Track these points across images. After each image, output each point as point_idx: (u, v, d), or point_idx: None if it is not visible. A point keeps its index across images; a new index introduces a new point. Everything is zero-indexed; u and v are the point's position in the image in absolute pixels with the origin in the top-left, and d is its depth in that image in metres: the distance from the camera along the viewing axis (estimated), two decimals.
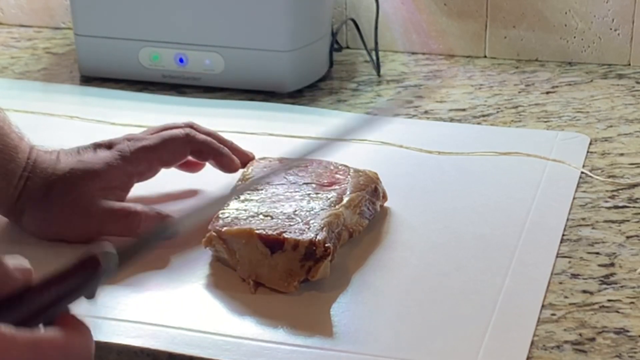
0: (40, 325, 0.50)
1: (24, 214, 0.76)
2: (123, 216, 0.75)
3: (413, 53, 1.24)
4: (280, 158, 0.83)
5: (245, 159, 0.84)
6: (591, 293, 0.70)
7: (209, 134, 0.83)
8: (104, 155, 0.78)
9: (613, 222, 0.81)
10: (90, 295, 0.52)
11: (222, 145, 0.83)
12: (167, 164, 0.81)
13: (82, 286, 0.51)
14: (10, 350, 0.47)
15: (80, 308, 0.52)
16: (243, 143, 0.88)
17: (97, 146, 0.79)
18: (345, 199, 0.76)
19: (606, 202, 0.84)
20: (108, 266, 0.52)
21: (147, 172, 0.80)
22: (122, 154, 0.78)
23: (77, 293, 0.51)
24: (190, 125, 0.83)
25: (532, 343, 0.64)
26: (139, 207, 0.76)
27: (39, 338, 0.49)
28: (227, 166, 0.83)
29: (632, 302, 0.69)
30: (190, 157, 0.82)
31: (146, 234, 0.57)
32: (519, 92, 1.10)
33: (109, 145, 0.79)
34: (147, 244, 0.56)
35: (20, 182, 0.76)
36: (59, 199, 0.76)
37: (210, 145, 0.82)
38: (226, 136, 0.86)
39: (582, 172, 0.89)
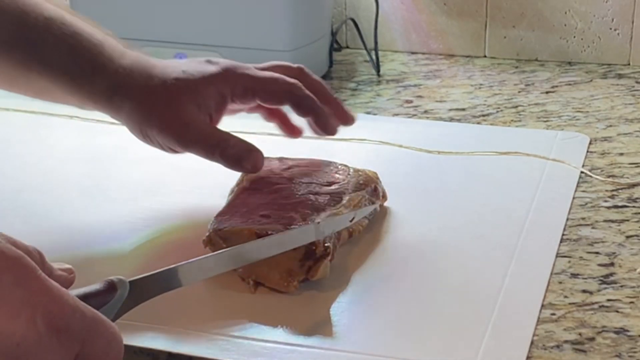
0: None
1: (122, 110, 0.77)
2: (213, 141, 0.76)
3: (413, 53, 1.24)
4: (280, 158, 0.83)
5: (345, 121, 0.82)
6: (591, 293, 0.70)
7: (316, 86, 0.81)
8: (207, 70, 0.78)
9: (613, 221, 0.81)
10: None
11: (322, 106, 0.80)
12: (264, 101, 0.80)
13: (100, 307, 0.55)
14: (75, 312, 0.52)
15: None
16: None
17: (200, 62, 0.79)
18: (345, 199, 0.76)
19: (606, 201, 0.84)
20: (122, 292, 0.58)
21: (241, 100, 0.79)
22: (225, 74, 0.78)
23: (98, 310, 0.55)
24: (301, 70, 0.81)
25: (532, 343, 0.64)
26: (228, 135, 0.77)
27: (99, 314, 0.54)
28: (322, 129, 0.80)
29: (631, 302, 0.69)
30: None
31: (155, 281, 0.61)
32: (519, 92, 1.10)
33: (214, 63, 0.79)
34: (155, 288, 0.61)
35: (117, 78, 0.77)
36: (158, 107, 0.76)
37: (312, 104, 0.79)
38: None
39: (581, 172, 0.89)
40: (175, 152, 0.78)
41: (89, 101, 0.78)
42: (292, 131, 0.84)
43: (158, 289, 0.61)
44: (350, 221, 0.74)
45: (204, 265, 0.64)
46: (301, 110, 0.79)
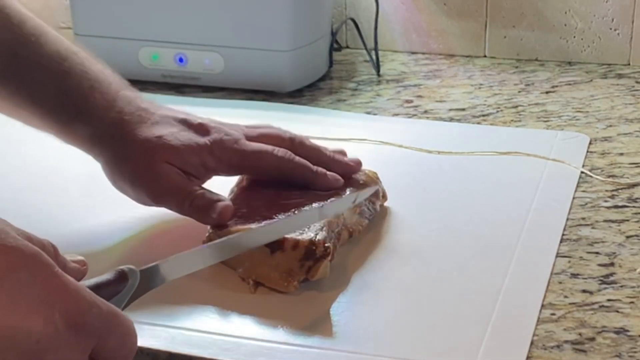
0: None
1: (100, 157, 0.77)
2: (184, 194, 0.74)
3: (413, 53, 1.24)
4: None
5: (351, 171, 0.79)
6: (591, 293, 0.70)
7: (310, 152, 0.79)
8: (194, 139, 0.76)
9: (613, 221, 0.81)
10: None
11: (316, 169, 0.77)
12: (252, 176, 0.79)
13: (111, 297, 0.57)
14: (92, 307, 0.53)
15: None
16: None
17: (191, 126, 0.77)
18: None
19: (606, 201, 0.84)
20: (133, 281, 0.59)
21: (226, 174, 0.78)
22: (211, 147, 0.76)
23: (109, 301, 0.56)
24: (292, 141, 0.79)
25: (532, 343, 0.64)
26: (216, 197, 0.74)
27: (114, 308, 0.55)
28: (321, 188, 0.77)
29: (631, 302, 0.69)
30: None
31: (169, 264, 0.62)
32: (519, 92, 1.10)
33: (204, 131, 0.77)
34: (168, 273, 0.62)
35: (102, 126, 0.76)
36: (133, 161, 0.75)
37: (303, 173, 0.77)
38: None
39: (581, 172, 0.89)
40: (151, 205, 0.76)
41: (71, 141, 0.78)
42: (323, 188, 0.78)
43: (166, 277, 0.62)
44: (353, 202, 0.73)
45: (213, 251, 0.65)
46: (295, 181, 0.77)
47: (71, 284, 0.52)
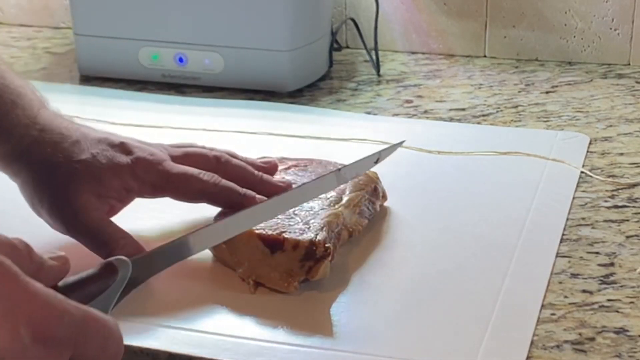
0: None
1: (18, 177, 0.74)
2: (102, 239, 0.72)
3: (413, 53, 1.24)
4: (280, 158, 0.83)
5: (277, 193, 0.76)
6: (591, 293, 0.70)
7: (237, 172, 0.77)
8: (115, 159, 0.74)
9: (613, 221, 0.81)
10: (106, 307, 0.55)
11: (244, 192, 0.75)
12: (176, 199, 0.76)
13: (101, 292, 0.54)
14: (63, 316, 0.49)
15: None
16: (243, 143, 0.88)
17: (113, 145, 0.75)
18: (345, 199, 0.76)
19: (606, 201, 0.84)
20: (124, 273, 0.56)
21: (150, 196, 0.76)
22: (134, 168, 0.74)
23: (97, 298, 0.54)
24: (218, 160, 0.77)
25: (532, 343, 0.64)
26: (120, 234, 0.72)
27: (91, 312, 0.51)
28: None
29: (631, 302, 0.69)
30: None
31: (161, 253, 0.61)
32: (519, 92, 1.10)
33: (127, 151, 0.75)
34: (161, 262, 0.61)
35: (21, 144, 0.73)
36: (53, 188, 0.72)
37: (229, 196, 0.75)
38: (226, 136, 0.84)
39: (581, 172, 0.89)
40: (68, 235, 0.73)
41: None
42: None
43: (164, 263, 0.61)
44: (375, 162, 0.71)
45: (227, 227, 0.65)
46: (219, 205, 0.75)
47: (39, 292, 0.49)
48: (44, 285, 0.50)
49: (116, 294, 0.56)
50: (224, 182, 0.75)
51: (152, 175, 0.74)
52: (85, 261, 0.60)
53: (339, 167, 0.77)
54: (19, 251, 0.52)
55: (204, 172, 0.75)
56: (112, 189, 0.73)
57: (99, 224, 0.72)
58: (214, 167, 0.76)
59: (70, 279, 0.54)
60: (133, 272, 0.57)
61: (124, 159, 0.74)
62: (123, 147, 0.75)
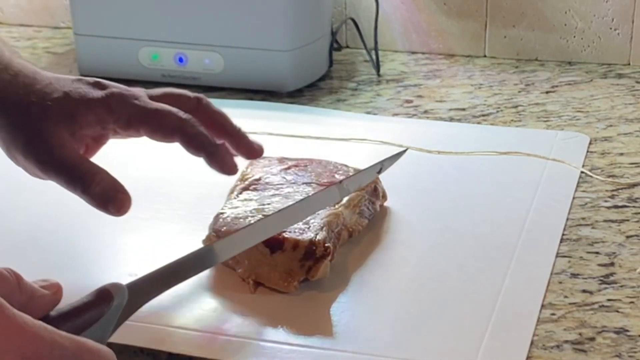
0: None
1: None
2: (77, 173, 0.69)
3: (413, 52, 1.24)
4: (280, 158, 0.83)
5: (250, 153, 0.75)
6: (591, 293, 0.70)
7: (215, 118, 0.74)
8: (89, 94, 0.71)
9: (613, 221, 0.81)
10: (102, 336, 0.54)
11: (217, 144, 0.72)
12: (150, 136, 0.73)
13: (96, 320, 0.53)
14: (53, 349, 0.48)
15: None
16: None
17: (87, 83, 0.73)
18: (345, 199, 0.76)
19: (606, 201, 0.84)
20: (120, 300, 0.55)
21: (124, 134, 0.73)
22: (108, 101, 0.71)
23: (92, 327, 0.53)
24: (199, 101, 0.74)
25: (532, 343, 0.64)
26: (95, 169, 0.70)
27: (84, 343, 0.50)
28: (217, 169, 0.72)
29: (631, 302, 0.69)
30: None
31: (157, 277, 0.60)
32: (519, 92, 1.10)
33: (101, 86, 0.72)
34: (157, 287, 0.60)
35: None
36: (27, 128, 0.70)
37: (203, 142, 0.71)
38: None
39: (581, 172, 0.89)
40: (43, 179, 0.71)
41: None
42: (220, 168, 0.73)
43: (160, 288, 0.61)
44: (378, 173, 0.71)
45: (225, 246, 0.65)
46: (191, 148, 0.72)
47: (28, 325, 0.48)
48: (35, 315, 0.49)
49: (112, 322, 0.54)
50: (202, 127, 0.72)
51: (127, 109, 0.72)
52: (79, 288, 0.58)
53: (339, 167, 0.77)
54: (7, 281, 0.51)
55: (183, 112, 0.72)
56: (86, 125, 0.71)
57: (74, 160, 0.70)
58: (194, 108, 0.74)
59: (63, 307, 0.53)
60: (129, 298, 0.56)
61: (98, 93, 0.72)
62: (98, 84, 0.73)
